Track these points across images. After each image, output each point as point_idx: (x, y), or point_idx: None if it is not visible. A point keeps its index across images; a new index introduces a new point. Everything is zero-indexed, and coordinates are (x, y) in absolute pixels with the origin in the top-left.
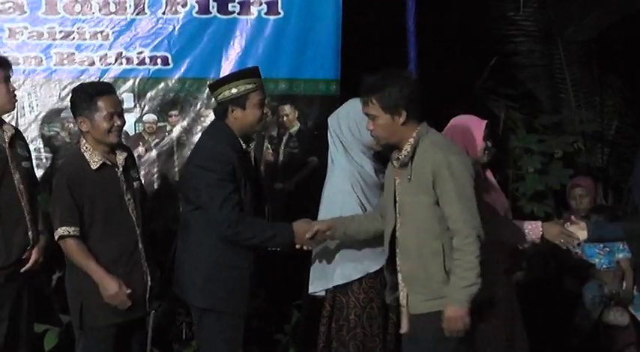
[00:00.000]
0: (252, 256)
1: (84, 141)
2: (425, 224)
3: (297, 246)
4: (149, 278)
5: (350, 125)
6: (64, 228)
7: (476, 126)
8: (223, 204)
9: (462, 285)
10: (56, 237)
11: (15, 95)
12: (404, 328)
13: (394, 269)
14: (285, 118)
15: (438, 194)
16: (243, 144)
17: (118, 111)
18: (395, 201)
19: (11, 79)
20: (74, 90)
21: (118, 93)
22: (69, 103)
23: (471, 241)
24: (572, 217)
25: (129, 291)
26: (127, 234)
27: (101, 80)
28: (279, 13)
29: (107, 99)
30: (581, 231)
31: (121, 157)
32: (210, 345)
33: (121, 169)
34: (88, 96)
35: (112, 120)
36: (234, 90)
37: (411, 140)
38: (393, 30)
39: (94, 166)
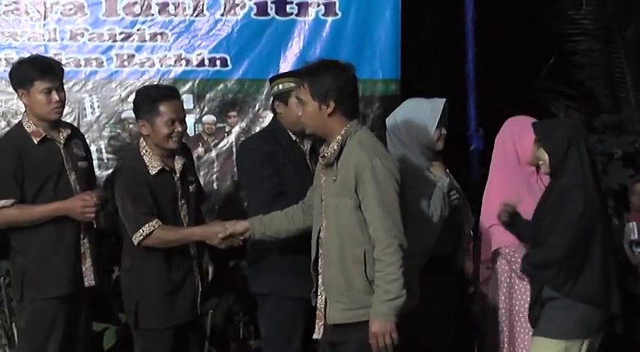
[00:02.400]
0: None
1: (144, 144)
2: (348, 229)
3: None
4: (200, 283)
5: (407, 125)
6: (143, 228)
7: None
8: (259, 187)
9: (384, 298)
10: (136, 243)
11: (61, 104)
12: (317, 334)
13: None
14: None
15: (360, 198)
16: (293, 137)
17: (180, 118)
18: (321, 201)
19: (73, 80)
20: (138, 92)
21: None
22: (130, 104)
23: (392, 251)
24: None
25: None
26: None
27: (161, 81)
28: (337, 14)
29: (170, 104)
30: None
31: (179, 162)
32: (265, 330)
33: (178, 175)
34: (151, 99)
35: (173, 126)
36: (280, 87)
37: (339, 137)
38: (452, 29)
39: (152, 171)
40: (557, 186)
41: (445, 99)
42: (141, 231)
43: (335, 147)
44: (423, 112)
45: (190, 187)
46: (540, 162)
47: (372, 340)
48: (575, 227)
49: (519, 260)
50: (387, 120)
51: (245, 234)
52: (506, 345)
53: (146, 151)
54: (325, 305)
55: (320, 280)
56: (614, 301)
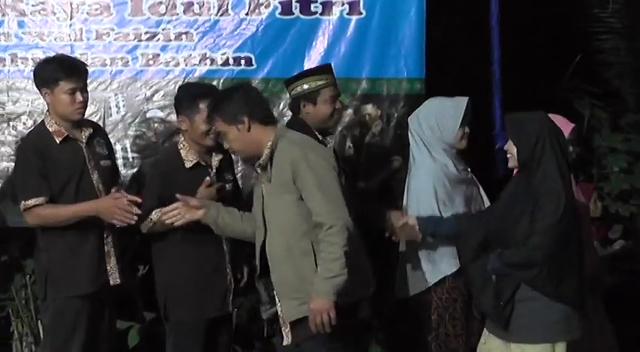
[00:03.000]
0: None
1: (182, 138)
2: (291, 224)
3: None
4: (232, 280)
5: (430, 124)
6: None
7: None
8: None
9: (325, 276)
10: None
11: (84, 104)
12: (285, 340)
13: (267, 283)
14: (367, 117)
15: (300, 189)
16: (319, 136)
17: None
18: (263, 209)
19: (99, 80)
20: (180, 88)
21: None
22: (155, 103)
23: (335, 231)
24: (401, 212)
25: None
26: (213, 235)
27: (186, 81)
28: (361, 13)
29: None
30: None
31: (216, 159)
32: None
33: (214, 170)
34: (192, 97)
35: (212, 123)
36: (305, 86)
37: (269, 143)
38: (477, 27)
39: (187, 165)
40: (532, 185)
41: (468, 98)
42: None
43: (267, 152)
44: (446, 111)
45: (227, 185)
46: (508, 156)
47: (310, 317)
48: (557, 227)
49: None
50: (409, 120)
51: (200, 210)
52: None
53: (183, 146)
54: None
55: (275, 290)
56: (584, 302)
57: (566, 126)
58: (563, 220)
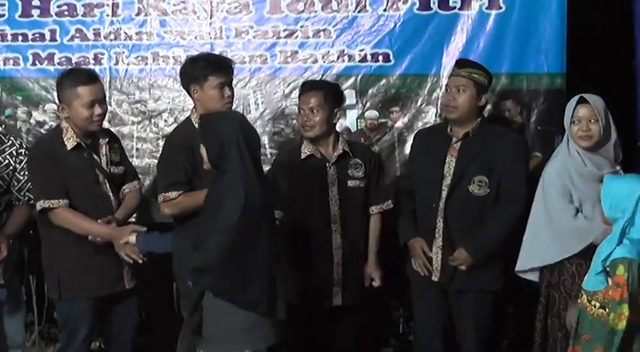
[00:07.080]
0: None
1: None
2: None
3: None
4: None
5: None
6: None
7: None
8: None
9: None
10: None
11: (231, 99)
12: None
13: None
14: (507, 113)
15: None
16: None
17: (309, 107)
18: None
19: (238, 77)
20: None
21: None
22: (293, 100)
23: None
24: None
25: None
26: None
27: (324, 77)
28: (501, 7)
29: (304, 97)
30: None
31: (335, 153)
32: None
33: (331, 163)
34: (300, 92)
35: (302, 115)
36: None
37: None
38: (620, 22)
39: (302, 156)
40: (217, 186)
41: (579, 96)
42: None
43: None
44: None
45: (349, 182)
46: (205, 158)
47: None
48: (236, 228)
49: None
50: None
51: None
52: None
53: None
54: None
55: None
56: (280, 308)
57: None
58: (243, 221)
